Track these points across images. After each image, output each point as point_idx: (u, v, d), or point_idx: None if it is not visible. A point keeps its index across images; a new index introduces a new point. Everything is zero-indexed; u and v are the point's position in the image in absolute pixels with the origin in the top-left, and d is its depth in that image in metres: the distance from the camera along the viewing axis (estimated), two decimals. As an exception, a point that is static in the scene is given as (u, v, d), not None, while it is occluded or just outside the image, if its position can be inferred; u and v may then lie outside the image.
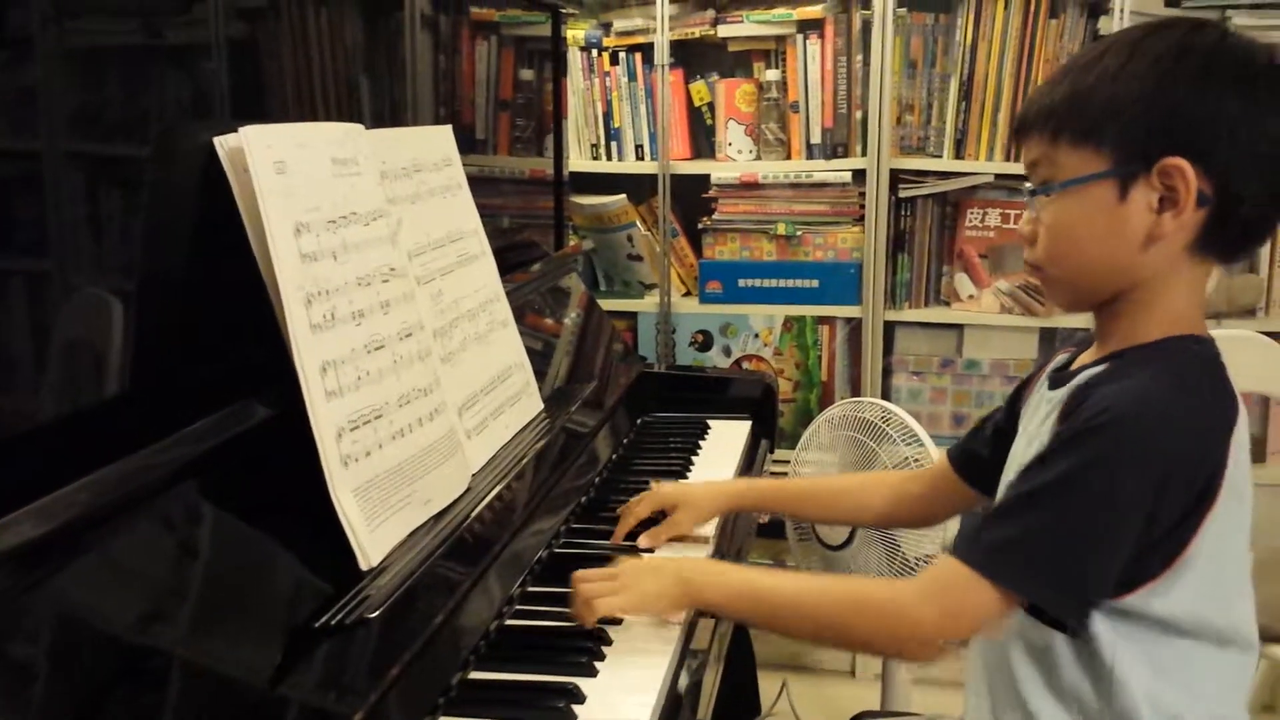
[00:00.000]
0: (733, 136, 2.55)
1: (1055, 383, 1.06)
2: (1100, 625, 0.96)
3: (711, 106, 2.56)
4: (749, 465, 1.75)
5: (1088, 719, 0.99)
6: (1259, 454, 2.41)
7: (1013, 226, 2.42)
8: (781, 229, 2.50)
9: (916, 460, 1.84)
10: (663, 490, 1.38)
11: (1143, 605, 0.95)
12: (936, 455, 1.83)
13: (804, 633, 1.10)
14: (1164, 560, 0.94)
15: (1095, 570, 0.93)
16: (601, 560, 1.30)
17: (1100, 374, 0.99)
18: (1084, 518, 0.93)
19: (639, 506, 1.35)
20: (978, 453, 1.23)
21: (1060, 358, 1.12)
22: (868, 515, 1.43)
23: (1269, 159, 0.94)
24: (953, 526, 1.82)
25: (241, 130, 0.96)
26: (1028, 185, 1.03)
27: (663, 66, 2.47)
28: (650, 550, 1.32)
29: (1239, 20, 2.25)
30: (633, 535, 1.35)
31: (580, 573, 1.14)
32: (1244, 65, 0.95)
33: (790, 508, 1.52)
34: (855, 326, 2.52)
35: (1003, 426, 1.19)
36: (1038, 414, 1.07)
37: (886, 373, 2.54)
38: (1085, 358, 1.06)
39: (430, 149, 1.36)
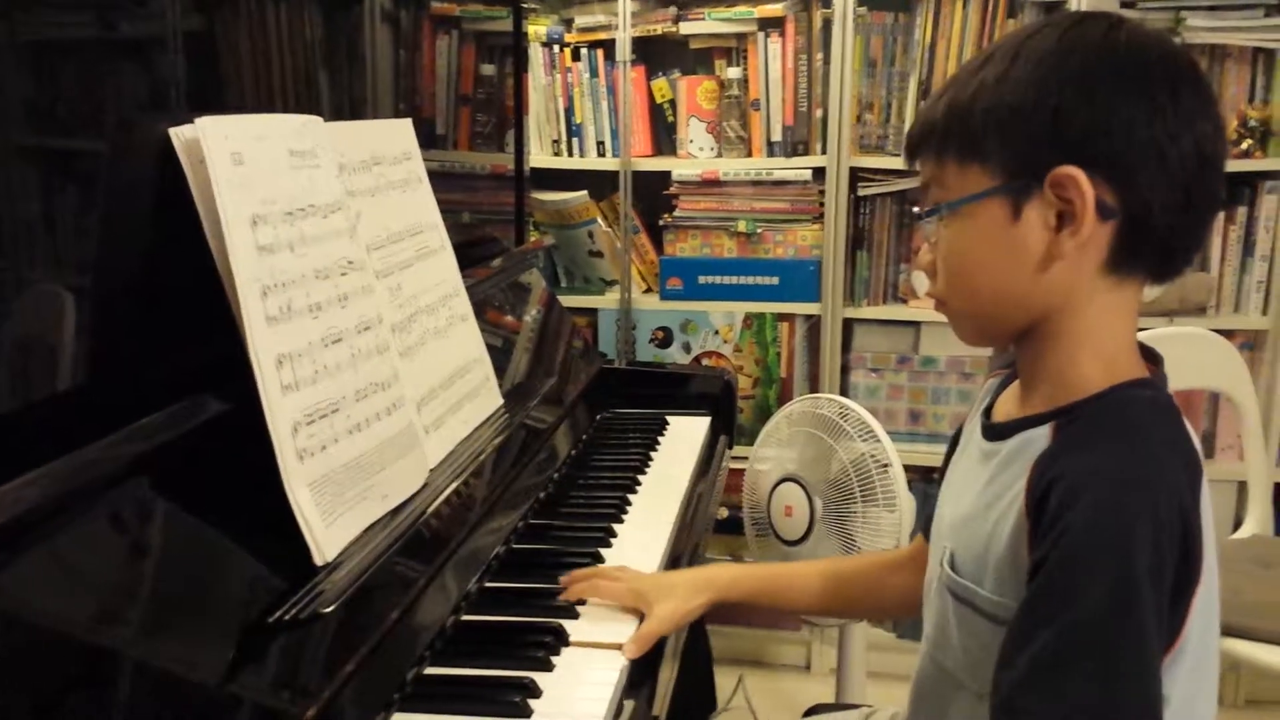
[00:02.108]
0: (694, 134, 2.55)
1: (988, 432, 0.96)
2: None
3: (673, 103, 2.57)
4: (707, 461, 1.75)
5: None
6: (1209, 449, 2.45)
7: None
8: (742, 226, 2.51)
9: (874, 456, 1.86)
10: (637, 586, 1.19)
11: None
12: (892, 451, 1.84)
13: None
14: (1163, 647, 0.83)
15: (1157, 691, 0.80)
16: (561, 556, 1.30)
17: (1056, 449, 0.87)
18: (1128, 651, 0.79)
19: (612, 597, 1.18)
20: None
21: (990, 385, 1.04)
22: (878, 608, 1.29)
23: (1175, 160, 0.84)
24: (907, 520, 1.83)
25: (198, 121, 0.95)
26: (915, 210, 0.96)
27: (624, 63, 2.47)
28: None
29: (1194, 21, 2.28)
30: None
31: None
32: (1135, 60, 0.86)
33: (789, 600, 1.28)
34: (814, 323, 2.54)
35: None
36: (971, 449, 0.99)
37: (845, 369, 2.56)
38: (1016, 404, 0.96)
39: (390, 142, 1.35)
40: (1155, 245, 0.88)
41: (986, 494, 0.92)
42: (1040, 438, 0.89)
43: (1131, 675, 0.79)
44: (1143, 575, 0.79)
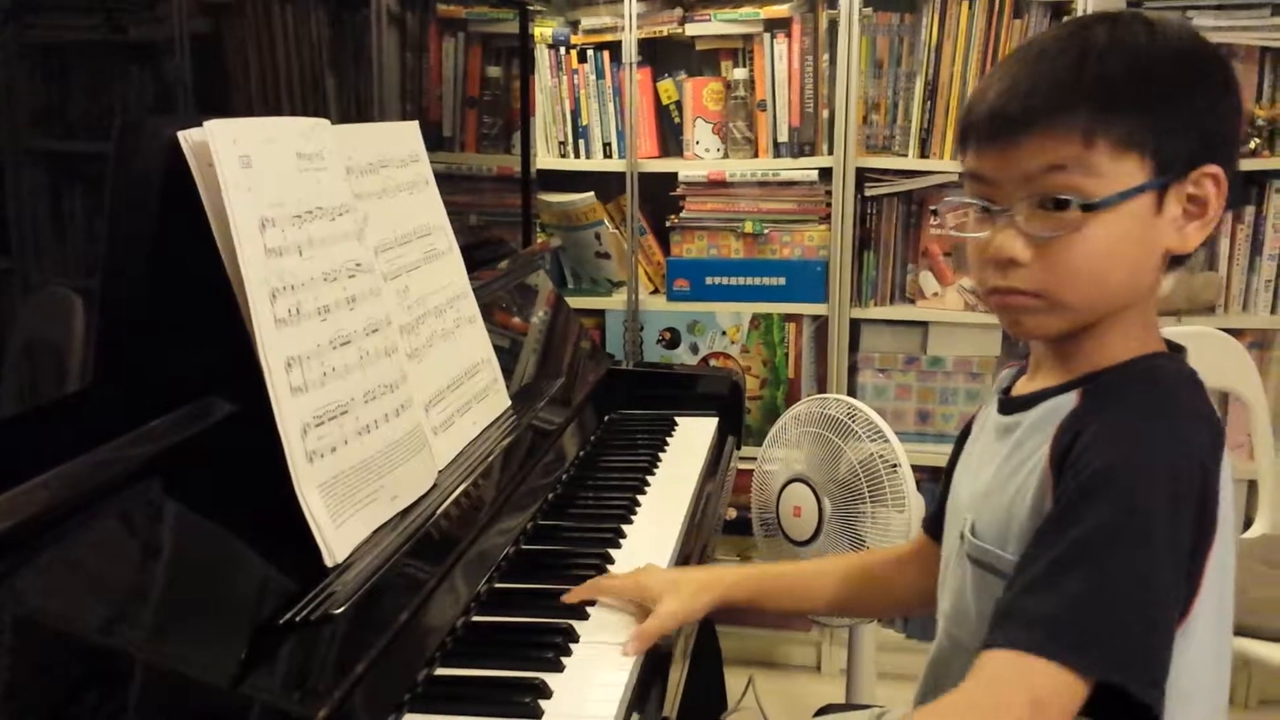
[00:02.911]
0: (700, 135, 2.55)
1: (1006, 407, 0.98)
2: None
3: (679, 105, 2.57)
4: (715, 462, 1.75)
5: None
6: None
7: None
8: (749, 227, 2.51)
9: (882, 457, 1.85)
10: (645, 580, 1.19)
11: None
12: (901, 452, 1.84)
13: None
14: (1183, 606, 0.83)
15: (1162, 626, 0.80)
16: (571, 557, 1.30)
17: (1081, 409, 0.89)
18: (1132, 571, 0.80)
19: (616, 590, 1.20)
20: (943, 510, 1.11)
21: (1004, 375, 1.05)
22: (889, 605, 1.29)
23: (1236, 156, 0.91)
24: (916, 521, 1.83)
25: (206, 124, 0.95)
26: (1064, 199, 0.86)
27: (630, 64, 2.47)
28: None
29: (1201, 21, 2.28)
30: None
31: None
32: (1224, 62, 0.91)
33: (794, 601, 1.27)
34: (821, 324, 2.54)
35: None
36: (986, 431, 1.01)
37: (852, 370, 2.56)
38: (1042, 379, 0.96)
39: (397, 145, 1.36)
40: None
41: (1008, 465, 0.93)
42: (1066, 403, 0.91)
43: (1121, 606, 0.80)
44: (1157, 510, 0.80)
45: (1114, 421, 0.85)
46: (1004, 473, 0.94)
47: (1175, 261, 0.93)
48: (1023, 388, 1.00)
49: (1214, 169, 0.87)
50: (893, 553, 1.28)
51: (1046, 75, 0.87)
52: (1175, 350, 0.96)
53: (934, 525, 1.15)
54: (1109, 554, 0.80)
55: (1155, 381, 0.89)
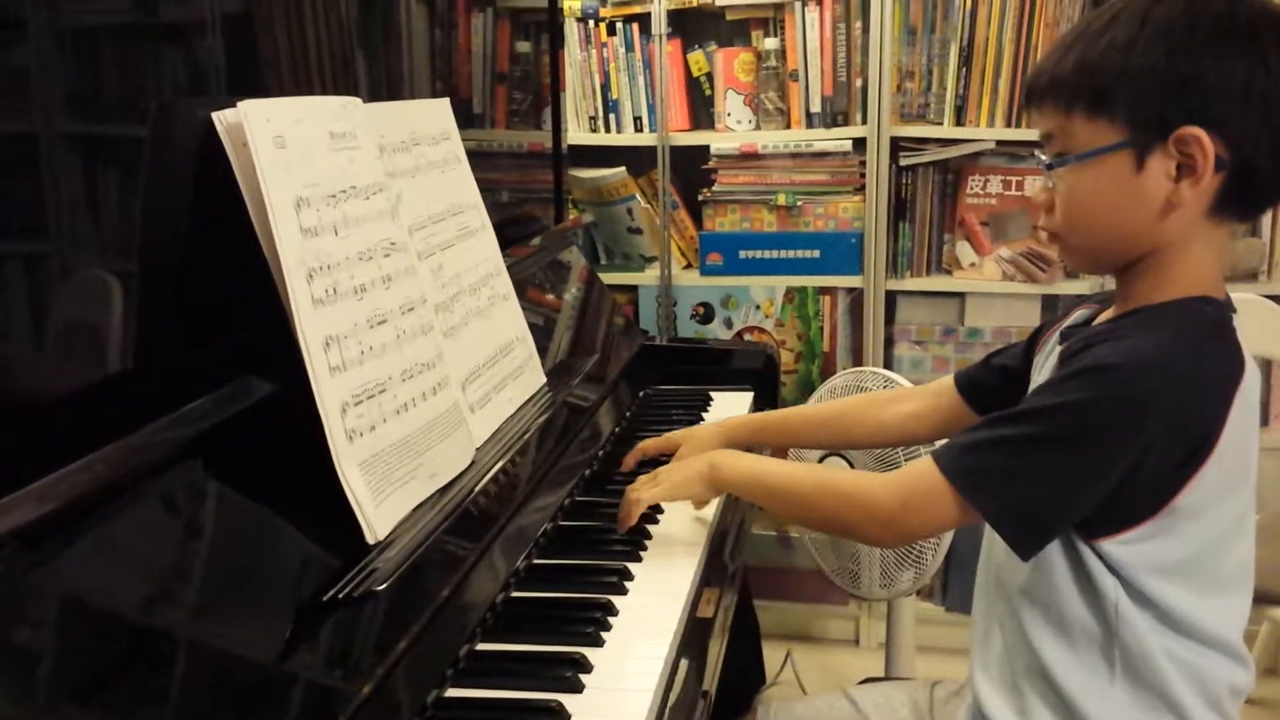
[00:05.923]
0: (732, 106, 2.53)
1: (1067, 337, 1.08)
2: (1100, 573, 1.00)
3: (710, 76, 2.55)
4: (752, 436, 1.74)
5: (1099, 654, 1.02)
6: (1262, 417, 2.41)
7: (1014, 193, 2.41)
8: (782, 199, 2.50)
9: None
10: (671, 434, 1.45)
11: (1136, 552, 0.99)
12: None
13: (801, 517, 1.27)
14: (1151, 507, 0.97)
15: (1056, 504, 0.97)
16: (607, 533, 1.30)
17: (1106, 328, 1.02)
18: (1054, 451, 0.96)
19: (649, 444, 1.45)
20: (986, 382, 1.29)
21: (1079, 313, 1.14)
22: (874, 434, 1.44)
23: (1276, 113, 0.95)
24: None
25: (240, 105, 0.95)
26: (1042, 155, 1.04)
27: (660, 36, 2.45)
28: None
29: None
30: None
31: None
32: (1254, 28, 0.95)
33: (792, 437, 1.55)
34: (857, 296, 2.52)
35: (1012, 367, 1.23)
36: (1047, 367, 1.10)
37: (888, 342, 2.54)
38: (1104, 317, 1.08)
39: (428, 122, 1.35)
40: (1255, 192, 0.99)
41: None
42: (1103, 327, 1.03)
43: (1030, 474, 0.97)
44: (1093, 421, 0.94)
45: (1117, 338, 0.97)
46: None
47: (1243, 217, 1.02)
48: None
49: (1191, 131, 0.94)
50: (901, 390, 1.52)
51: (1053, 53, 1.03)
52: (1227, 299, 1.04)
53: (965, 382, 1.31)
54: (1036, 432, 0.97)
55: (1173, 316, 0.99)
